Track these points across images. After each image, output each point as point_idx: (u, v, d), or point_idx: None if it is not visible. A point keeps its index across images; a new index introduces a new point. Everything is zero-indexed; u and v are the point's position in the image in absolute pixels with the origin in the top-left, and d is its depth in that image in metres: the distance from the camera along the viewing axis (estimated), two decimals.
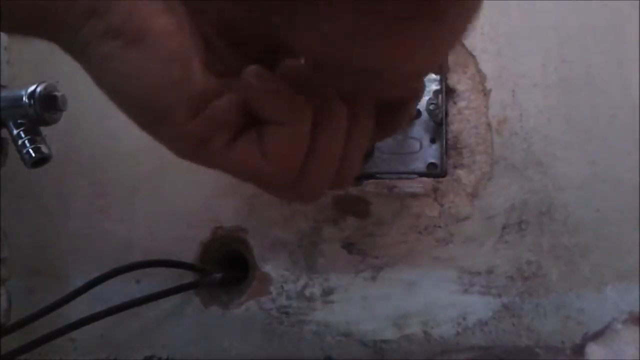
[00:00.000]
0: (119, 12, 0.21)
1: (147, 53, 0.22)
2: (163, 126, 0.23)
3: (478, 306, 0.49)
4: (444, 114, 0.52)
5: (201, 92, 0.23)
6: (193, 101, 0.23)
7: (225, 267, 0.56)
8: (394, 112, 0.27)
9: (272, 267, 0.54)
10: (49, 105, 0.46)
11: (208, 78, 0.23)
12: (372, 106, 0.25)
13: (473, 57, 0.52)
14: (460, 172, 0.51)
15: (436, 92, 0.53)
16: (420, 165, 0.53)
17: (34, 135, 0.46)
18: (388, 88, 0.23)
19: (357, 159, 0.26)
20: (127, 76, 0.22)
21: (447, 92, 0.52)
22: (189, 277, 0.55)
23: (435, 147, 0.53)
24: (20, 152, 0.46)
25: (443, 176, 0.51)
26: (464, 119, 0.52)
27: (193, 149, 0.24)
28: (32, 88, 0.45)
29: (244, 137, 0.24)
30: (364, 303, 0.51)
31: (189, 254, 0.55)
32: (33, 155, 0.45)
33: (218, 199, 0.55)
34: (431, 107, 0.52)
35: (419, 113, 0.54)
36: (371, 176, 0.53)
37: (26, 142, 0.46)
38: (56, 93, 0.46)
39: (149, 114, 0.23)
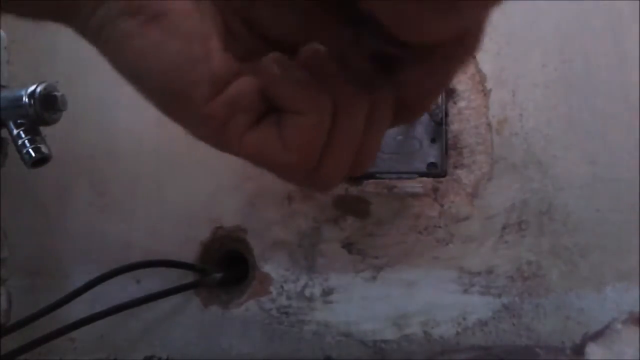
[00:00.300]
0: None
1: (167, 31, 0.22)
2: (182, 106, 0.23)
3: (478, 306, 0.49)
4: (444, 113, 0.52)
5: (221, 72, 0.23)
6: (213, 81, 0.22)
7: (225, 267, 0.56)
8: (418, 98, 0.26)
9: (272, 267, 0.54)
10: (49, 105, 0.46)
11: (228, 59, 0.23)
12: (389, 94, 0.25)
13: (473, 57, 0.52)
14: (460, 172, 0.51)
15: None
16: (420, 165, 0.53)
17: (34, 135, 0.46)
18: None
19: (375, 147, 0.26)
20: (146, 54, 0.22)
21: (447, 92, 0.52)
22: (189, 277, 0.55)
23: (435, 147, 0.53)
24: (20, 152, 0.46)
25: (443, 176, 0.51)
26: (464, 119, 0.52)
27: (212, 130, 0.23)
28: (32, 88, 0.45)
29: (264, 124, 0.23)
30: (364, 303, 0.51)
31: (189, 254, 0.55)
32: (33, 155, 0.45)
33: (218, 199, 0.55)
34: (431, 106, 0.52)
35: None
36: (371, 176, 0.53)
37: (26, 142, 0.46)
38: (56, 93, 0.46)
39: (167, 94, 0.23)
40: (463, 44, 0.22)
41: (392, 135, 0.54)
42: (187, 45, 0.22)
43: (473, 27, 0.21)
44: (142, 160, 0.57)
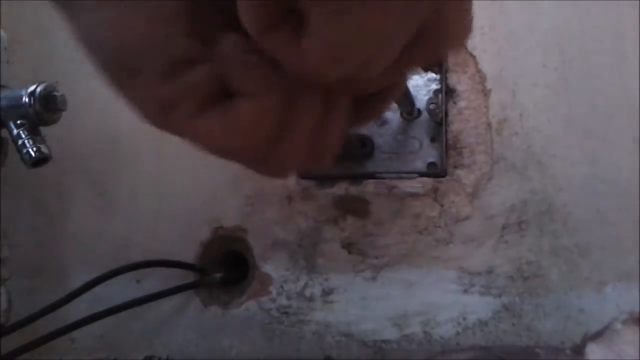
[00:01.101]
0: None
1: (132, 9, 0.21)
2: (134, 84, 0.23)
3: (478, 306, 0.49)
4: (444, 113, 0.52)
5: (180, 55, 0.22)
6: (170, 63, 0.22)
7: (225, 267, 0.56)
8: (373, 98, 0.26)
9: (272, 267, 0.54)
10: (49, 105, 0.46)
11: (190, 43, 0.23)
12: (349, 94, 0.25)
13: (473, 57, 0.52)
14: (460, 172, 0.51)
15: (436, 92, 0.53)
16: (420, 165, 0.53)
17: (34, 135, 0.46)
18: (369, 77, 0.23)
19: (333, 142, 0.26)
20: (102, 28, 0.22)
21: (447, 92, 0.52)
22: (189, 277, 0.55)
23: (435, 146, 0.53)
24: (20, 152, 0.46)
25: (443, 176, 0.51)
26: (464, 119, 0.52)
27: (159, 112, 0.23)
28: (32, 88, 0.45)
29: (215, 108, 0.23)
30: (364, 303, 0.51)
31: (189, 254, 0.55)
32: (33, 155, 0.45)
33: (218, 199, 0.55)
34: (431, 107, 0.52)
35: (419, 113, 0.54)
36: (371, 176, 0.53)
37: (26, 142, 0.46)
38: (56, 93, 0.46)
39: (121, 70, 0.23)
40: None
41: (392, 135, 0.54)
42: (151, 26, 0.22)
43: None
44: (142, 160, 0.57)
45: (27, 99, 0.45)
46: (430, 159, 0.53)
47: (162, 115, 0.23)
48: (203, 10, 0.23)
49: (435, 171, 0.52)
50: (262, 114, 0.23)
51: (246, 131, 0.23)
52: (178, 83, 0.22)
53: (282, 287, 0.53)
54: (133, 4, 0.21)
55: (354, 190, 0.52)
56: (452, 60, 0.53)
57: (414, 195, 0.51)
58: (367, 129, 0.54)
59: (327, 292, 0.52)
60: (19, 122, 0.46)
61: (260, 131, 0.23)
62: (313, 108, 0.24)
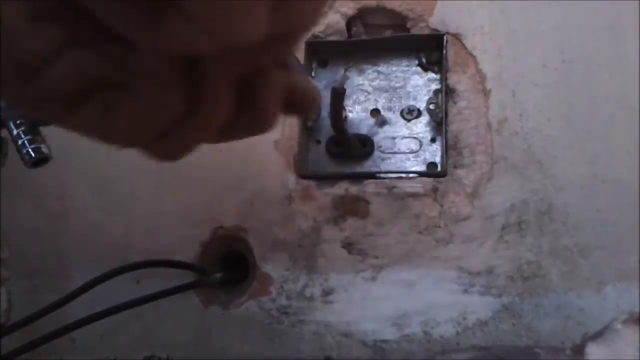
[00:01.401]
0: None
1: None
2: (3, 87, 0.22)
3: (478, 306, 0.49)
4: (443, 113, 0.52)
5: (34, 58, 0.21)
6: (23, 68, 0.21)
7: (225, 267, 0.56)
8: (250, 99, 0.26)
9: (272, 267, 0.54)
10: None
11: (46, 43, 0.22)
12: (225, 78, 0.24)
13: (473, 57, 0.52)
14: (460, 172, 0.51)
15: (436, 92, 0.53)
16: (420, 165, 0.53)
17: (34, 135, 0.46)
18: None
19: (213, 119, 0.25)
20: None
21: (447, 92, 0.52)
22: (189, 277, 0.55)
23: (435, 146, 0.53)
24: (20, 152, 0.46)
25: (443, 176, 0.51)
26: (464, 119, 0.52)
27: (31, 112, 0.23)
28: None
29: (88, 104, 0.23)
30: (364, 303, 0.51)
31: (189, 254, 0.55)
32: (33, 155, 0.45)
33: (218, 199, 0.55)
34: (431, 106, 0.52)
35: (419, 113, 0.54)
36: (371, 176, 0.53)
37: (26, 142, 0.46)
38: None
39: None
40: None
41: (392, 135, 0.54)
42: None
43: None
44: (142, 160, 0.57)
45: None
46: (430, 159, 0.53)
47: (35, 114, 0.23)
48: (66, 7, 0.22)
49: (435, 171, 0.52)
50: (141, 108, 0.23)
51: (124, 128, 0.23)
52: (38, 84, 0.22)
53: (282, 287, 0.53)
54: None
55: (354, 190, 0.52)
56: (452, 60, 0.53)
57: (414, 195, 0.51)
58: (367, 129, 0.54)
59: (327, 292, 0.52)
60: (19, 122, 0.46)
61: (140, 127, 0.23)
62: (184, 89, 0.23)
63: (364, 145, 0.53)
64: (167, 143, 0.25)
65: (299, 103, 0.28)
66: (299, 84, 0.28)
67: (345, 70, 0.47)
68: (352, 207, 0.52)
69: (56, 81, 0.22)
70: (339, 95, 0.47)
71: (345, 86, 0.47)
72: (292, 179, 0.54)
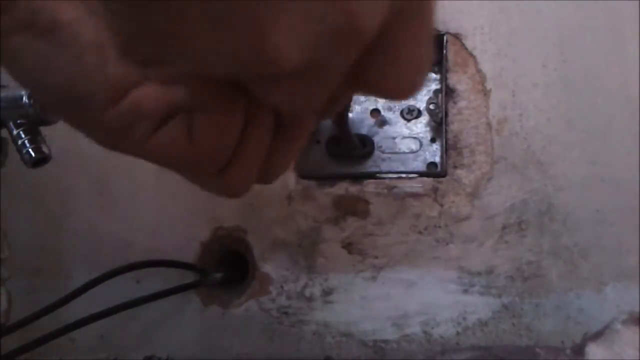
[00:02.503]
0: (25, 6, 0.21)
1: (57, 44, 0.21)
2: (78, 117, 0.23)
3: (478, 306, 0.49)
4: (443, 113, 0.52)
5: (117, 80, 0.22)
6: (108, 91, 0.22)
7: (225, 267, 0.56)
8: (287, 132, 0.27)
9: (272, 267, 0.54)
10: None
11: (126, 66, 0.23)
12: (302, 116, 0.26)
13: (473, 57, 0.52)
14: (460, 172, 0.51)
15: (436, 92, 0.53)
16: (420, 165, 0.53)
17: (34, 135, 0.46)
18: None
19: (285, 161, 0.27)
20: (37, 69, 0.22)
21: (447, 92, 0.52)
22: (189, 277, 0.55)
23: (435, 146, 0.53)
24: (20, 152, 0.46)
25: (443, 176, 0.51)
26: (464, 119, 0.52)
27: (113, 138, 0.24)
28: None
29: (171, 124, 0.24)
30: (364, 303, 0.51)
31: (189, 254, 0.55)
32: (33, 155, 0.45)
33: (218, 199, 0.55)
34: (431, 106, 0.52)
35: (419, 113, 0.54)
36: (371, 176, 0.53)
37: (26, 142, 0.45)
38: None
39: (63, 104, 0.23)
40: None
41: (392, 135, 0.54)
42: (78, 57, 0.22)
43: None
44: (142, 160, 0.57)
45: (27, 99, 0.45)
46: (430, 159, 0.53)
47: (116, 140, 0.24)
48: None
49: (435, 171, 0.52)
50: (222, 129, 0.24)
51: (205, 146, 0.24)
52: (122, 107, 0.23)
53: (282, 287, 0.53)
54: (59, 43, 0.21)
55: (354, 190, 0.52)
56: (452, 60, 0.53)
57: (414, 195, 0.51)
58: (367, 129, 0.54)
59: (327, 292, 0.52)
60: (19, 122, 0.46)
61: (219, 146, 0.24)
62: (266, 131, 0.25)
63: (364, 145, 0.53)
64: (235, 174, 0.26)
65: None
66: None
67: None
68: (352, 207, 0.52)
69: (142, 101, 0.23)
70: None
71: None
72: (292, 179, 0.54)
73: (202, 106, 0.23)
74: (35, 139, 0.46)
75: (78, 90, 0.22)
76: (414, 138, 0.53)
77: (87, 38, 0.22)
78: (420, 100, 0.54)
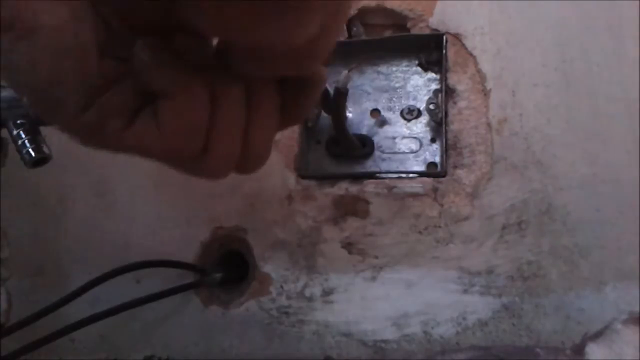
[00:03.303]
0: (10, 7, 0.21)
1: (39, 47, 0.22)
2: (56, 117, 0.24)
3: (478, 306, 0.49)
4: (443, 113, 0.52)
5: (95, 82, 0.23)
6: (86, 93, 0.23)
7: (225, 267, 0.56)
8: (296, 96, 0.27)
9: (272, 267, 0.54)
10: None
11: (105, 66, 0.23)
12: (273, 88, 0.26)
13: (473, 57, 0.52)
14: (460, 172, 0.51)
15: (436, 92, 0.53)
16: (420, 165, 0.53)
17: (34, 135, 0.46)
18: (279, 64, 0.23)
19: (262, 142, 0.27)
20: (18, 69, 0.22)
21: (447, 92, 0.52)
22: (189, 277, 0.55)
23: (435, 146, 0.53)
24: (20, 152, 0.46)
25: (443, 176, 0.51)
26: (464, 119, 0.52)
27: (88, 136, 0.24)
28: None
29: (141, 116, 0.24)
30: (364, 303, 0.51)
31: (189, 254, 0.55)
32: (33, 155, 0.45)
33: (218, 199, 0.55)
34: (431, 106, 0.52)
35: (419, 113, 0.54)
36: (371, 176, 0.53)
37: (26, 142, 0.45)
38: None
39: (42, 104, 0.24)
40: (310, 49, 0.22)
41: (392, 135, 0.54)
42: (59, 61, 0.22)
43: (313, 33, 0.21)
44: (142, 160, 0.57)
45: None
46: (430, 159, 0.53)
47: (92, 136, 0.24)
48: (116, 30, 0.24)
49: (435, 171, 0.52)
50: (186, 114, 0.24)
51: (173, 132, 0.24)
52: (99, 105, 0.23)
53: (282, 287, 0.53)
54: (40, 45, 0.22)
55: (354, 190, 0.52)
56: (452, 60, 0.53)
57: (414, 195, 0.51)
58: (367, 129, 0.54)
59: (327, 292, 0.52)
60: (19, 122, 0.46)
61: (187, 131, 0.24)
62: (237, 107, 0.25)
63: (364, 145, 0.53)
64: (213, 155, 0.26)
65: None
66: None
67: (349, 70, 0.47)
68: (352, 207, 0.52)
69: (115, 99, 0.23)
70: (342, 96, 0.47)
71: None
72: (292, 179, 0.54)
73: (163, 93, 0.23)
74: (35, 139, 0.46)
75: (56, 93, 0.23)
76: (414, 138, 0.53)
77: (68, 44, 0.22)
78: (420, 100, 0.54)
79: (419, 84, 0.54)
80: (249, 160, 0.27)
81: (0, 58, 0.22)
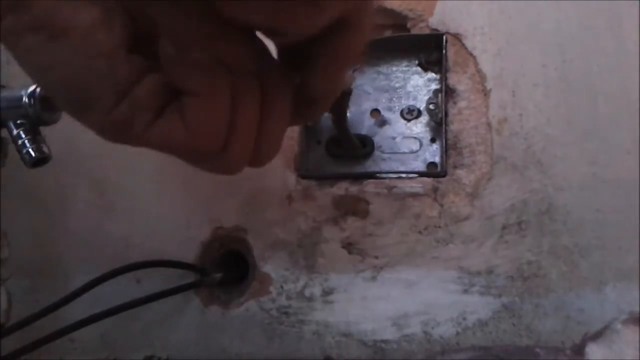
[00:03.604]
0: (42, 7, 0.21)
1: (71, 48, 0.22)
2: (86, 115, 0.24)
3: (478, 306, 0.49)
4: (443, 113, 0.52)
5: (125, 79, 0.23)
6: (116, 91, 0.23)
7: (225, 267, 0.56)
8: (310, 98, 0.27)
9: (272, 267, 0.54)
10: (48, 105, 0.46)
11: (133, 64, 0.24)
12: (287, 86, 0.26)
13: (473, 57, 0.52)
14: (460, 172, 0.51)
15: (436, 92, 0.53)
16: (420, 165, 0.53)
17: (34, 135, 0.46)
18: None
19: (275, 137, 0.27)
20: (49, 69, 0.23)
21: (447, 92, 0.52)
22: (189, 277, 0.55)
23: (435, 146, 0.53)
24: (20, 152, 0.46)
25: (443, 176, 0.51)
26: (464, 119, 0.52)
27: (117, 133, 0.24)
28: (32, 88, 0.45)
29: (167, 112, 0.24)
30: (364, 303, 0.51)
31: (189, 254, 0.55)
32: (33, 155, 0.45)
33: (218, 199, 0.55)
34: (431, 106, 0.52)
35: (419, 113, 0.54)
36: (371, 176, 0.53)
37: (26, 142, 0.46)
38: None
39: (72, 104, 0.24)
40: (343, 34, 0.23)
41: (392, 135, 0.54)
42: (91, 62, 0.22)
43: (347, 17, 0.22)
44: (142, 160, 0.57)
45: (27, 99, 0.45)
46: (430, 159, 0.53)
47: (121, 132, 0.24)
48: (145, 26, 0.24)
49: (435, 171, 0.52)
50: (211, 110, 0.24)
51: (199, 129, 0.24)
52: (128, 102, 0.23)
53: (282, 287, 0.53)
54: (72, 45, 0.22)
55: (354, 190, 0.52)
56: (452, 60, 0.53)
57: (414, 195, 0.51)
58: (367, 129, 0.54)
59: (327, 292, 0.52)
60: (19, 122, 0.46)
61: (212, 128, 0.24)
62: (255, 100, 0.25)
63: (364, 145, 0.53)
64: (231, 152, 0.26)
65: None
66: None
67: (353, 70, 0.47)
68: (352, 207, 0.52)
69: (144, 95, 0.24)
70: (345, 95, 0.47)
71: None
72: (292, 179, 0.54)
73: (189, 89, 0.24)
74: (35, 139, 0.46)
75: (87, 92, 0.23)
76: (414, 138, 0.53)
77: (99, 43, 0.22)
78: (420, 100, 0.54)
79: (419, 84, 0.54)
80: (261, 154, 0.27)
81: (31, 58, 0.22)
